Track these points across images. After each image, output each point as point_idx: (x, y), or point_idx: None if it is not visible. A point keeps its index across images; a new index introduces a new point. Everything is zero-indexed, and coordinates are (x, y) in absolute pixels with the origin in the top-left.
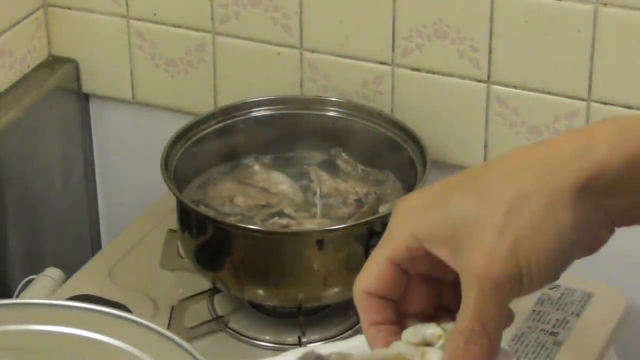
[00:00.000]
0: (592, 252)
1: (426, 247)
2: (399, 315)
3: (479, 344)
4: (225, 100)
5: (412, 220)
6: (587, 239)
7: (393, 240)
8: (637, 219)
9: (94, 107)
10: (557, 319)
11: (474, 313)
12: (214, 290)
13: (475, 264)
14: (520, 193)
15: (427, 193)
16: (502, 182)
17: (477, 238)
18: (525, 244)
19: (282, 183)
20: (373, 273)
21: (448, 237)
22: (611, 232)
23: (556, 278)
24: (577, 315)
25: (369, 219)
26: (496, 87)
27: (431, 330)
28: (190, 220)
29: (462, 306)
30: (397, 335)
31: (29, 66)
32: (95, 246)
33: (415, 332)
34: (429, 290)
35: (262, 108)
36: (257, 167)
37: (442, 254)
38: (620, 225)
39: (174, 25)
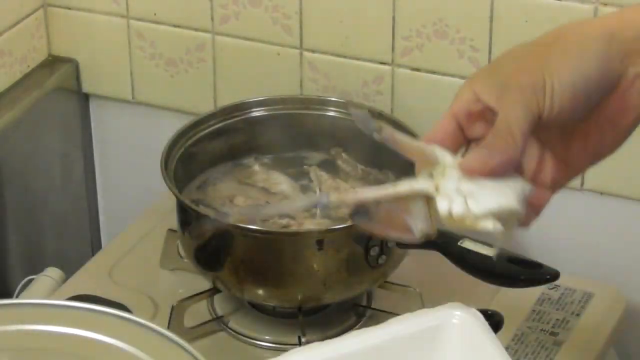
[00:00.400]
0: (608, 92)
1: (481, 97)
2: None
3: (503, 140)
4: (225, 100)
5: (475, 83)
6: (607, 83)
7: (458, 98)
8: None
9: (94, 107)
10: (557, 319)
11: (500, 116)
12: (214, 290)
13: (507, 80)
14: (559, 34)
15: (490, 64)
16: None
17: (515, 69)
18: (552, 62)
19: (282, 183)
20: (437, 126)
21: (497, 85)
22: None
23: (573, 114)
24: (577, 315)
25: None
26: None
27: (447, 157)
28: (190, 220)
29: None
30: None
31: (28, 66)
32: (95, 246)
33: (434, 153)
34: None
35: (262, 108)
36: (257, 167)
37: (492, 100)
38: None
39: (174, 25)
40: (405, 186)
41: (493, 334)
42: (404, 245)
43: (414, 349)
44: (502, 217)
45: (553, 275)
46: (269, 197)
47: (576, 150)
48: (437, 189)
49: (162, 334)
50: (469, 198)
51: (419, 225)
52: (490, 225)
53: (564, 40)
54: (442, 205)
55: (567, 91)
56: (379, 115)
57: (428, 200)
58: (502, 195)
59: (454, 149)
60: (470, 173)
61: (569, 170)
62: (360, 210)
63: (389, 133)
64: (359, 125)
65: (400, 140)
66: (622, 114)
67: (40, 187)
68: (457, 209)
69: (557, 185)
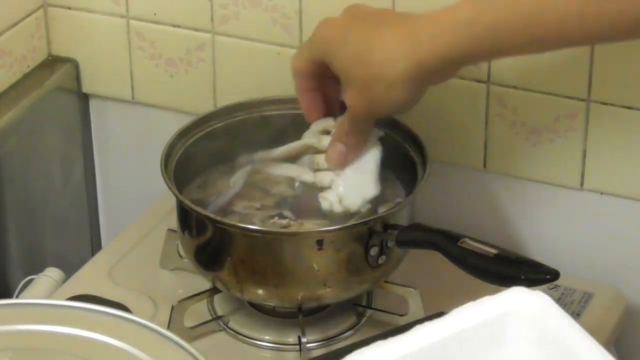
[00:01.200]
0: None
1: (325, 60)
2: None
3: (354, 138)
4: (225, 100)
5: (327, 45)
6: (416, 100)
7: (310, 47)
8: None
9: (94, 107)
10: None
11: (349, 113)
12: (214, 290)
13: (349, 97)
14: (370, 77)
15: (341, 26)
16: (369, 63)
17: (352, 84)
18: (376, 106)
19: (280, 183)
20: (301, 61)
21: (343, 60)
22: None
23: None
24: (577, 315)
25: (369, 219)
26: (496, 87)
27: (329, 122)
28: (190, 220)
29: (348, 109)
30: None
31: (28, 66)
32: (95, 246)
33: (320, 123)
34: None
35: (262, 108)
36: (257, 167)
37: (336, 68)
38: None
39: (174, 25)
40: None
41: (569, 317)
42: (405, 246)
43: (483, 340)
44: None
45: (553, 275)
46: (268, 197)
47: None
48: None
49: (162, 334)
50: (343, 199)
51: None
52: (363, 210)
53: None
54: (325, 205)
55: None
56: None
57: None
58: (366, 187)
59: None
60: (335, 167)
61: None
62: None
63: None
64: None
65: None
66: None
67: (40, 187)
68: (337, 208)
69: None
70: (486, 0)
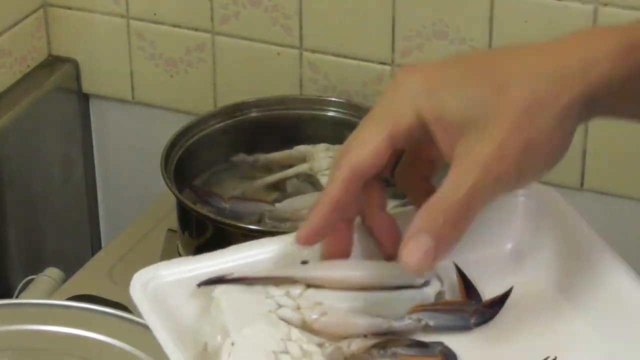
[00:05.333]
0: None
1: (430, 127)
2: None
3: (458, 228)
4: (225, 100)
5: (420, 100)
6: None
7: (396, 117)
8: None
9: (94, 107)
10: None
11: (467, 197)
12: None
13: (483, 152)
14: (537, 97)
15: (436, 73)
16: (520, 81)
17: (490, 128)
18: (535, 149)
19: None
20: (368, 152)
21: (456, 121)
22: None
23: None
24: None
25: None
26: None
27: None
28: (190, 220)
29: (446, 187)
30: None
31: (28, 66)
32: (95, 246)
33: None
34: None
35: (262, 108)
36: (257, 167)
37: (441, 135)
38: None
39: (174, 25)
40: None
41: (571, 207)
42: None
43: (483, 221)
44: None
45: None
46: (268, 197)
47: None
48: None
49: None
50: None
51: None
52: None
53: (540, 104)
54: None
55: (537, 176)
56: None
57: None
58: None
59: (383, 174)
60: (417, 271)
61: None
62: None
63: None
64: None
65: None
66: None
67: (40, 187)
68: None
69: None
70: None
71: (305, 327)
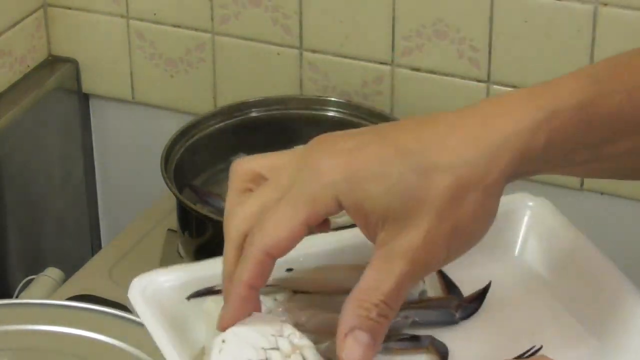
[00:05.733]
0: None
1: (351, 215)
2: None
3: (389, 317)
4: (225, 100)
5: (340, 187)
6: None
7: (314, 203)
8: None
9: (94, 107)
10: None
11: (394, 288)
12: None
13: (410, 242)
14: (462, 183)
15: (355, 155)
16: (443, 167)
17: (415, 217)
18: (462, 231)
19: None
20: (284, 235)
21: (378, 211)
22: None
23: None
24: None
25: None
26: (496, 87)
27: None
28: (190, 220)
29: (372, 279)
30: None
31: (28, 66)
32: (95, 246)
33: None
34: None
35: (262, 108)
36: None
37: (362, 223)
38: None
39: (174, 25)
40: None
41: (566, 219)
42: None
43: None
44: None
45: None
46: None
47: None
48: None
49: None
50: None
51: None
52: None
53: (465, 188)
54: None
55: (462, 255)
56: (379, 115)
57: None
58: None
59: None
60: None
61: None
62: None
63: None
64: None
65: None
66: None
67: (40, 187)
68: None
69: None
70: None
71: (298, 328)
